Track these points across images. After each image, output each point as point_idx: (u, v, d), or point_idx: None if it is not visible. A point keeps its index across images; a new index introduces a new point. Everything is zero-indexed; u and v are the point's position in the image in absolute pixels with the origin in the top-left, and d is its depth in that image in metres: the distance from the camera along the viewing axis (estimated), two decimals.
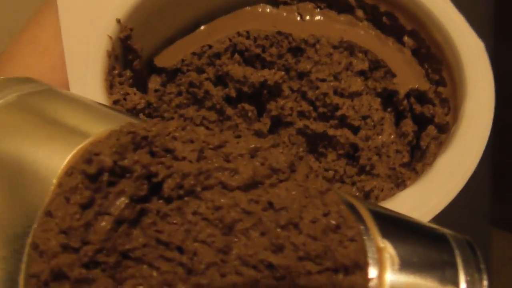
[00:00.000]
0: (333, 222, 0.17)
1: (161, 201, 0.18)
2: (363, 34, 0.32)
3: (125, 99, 0.26)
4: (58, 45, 0.27)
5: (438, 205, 0.23)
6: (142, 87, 0.31)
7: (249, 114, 0.31)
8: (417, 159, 0.28)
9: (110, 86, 0.26)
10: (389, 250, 0.18)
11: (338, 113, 0.30)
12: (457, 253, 0.18)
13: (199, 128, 0.19)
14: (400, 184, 0.28)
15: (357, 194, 0.29)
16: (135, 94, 0.27)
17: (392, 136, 0.29)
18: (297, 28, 0.32)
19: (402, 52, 0.31)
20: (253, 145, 0.19)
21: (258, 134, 0.31)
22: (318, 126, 0.30)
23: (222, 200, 0.17)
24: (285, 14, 0.33)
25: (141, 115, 0.27)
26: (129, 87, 0.27)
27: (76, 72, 0.25)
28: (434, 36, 0.29)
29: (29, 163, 0.19)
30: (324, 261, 0.17)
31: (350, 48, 0.31)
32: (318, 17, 0.33)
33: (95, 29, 0.27)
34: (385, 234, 0.18)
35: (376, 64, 0.31)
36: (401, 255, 0.17)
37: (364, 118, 0.30)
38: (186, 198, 0.18)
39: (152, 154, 0.18)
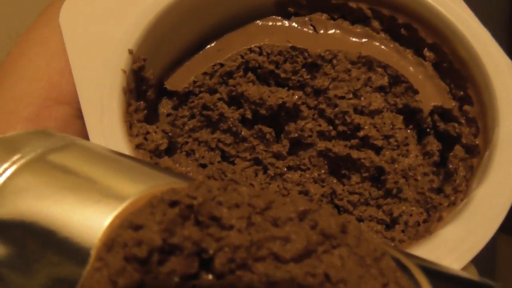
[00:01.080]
0: None
1: (211, 276, 0.17)
2: (381, 47, 0.31)
3: (145, 138, 0.25)
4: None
5: (479, 243, 0.22)
6: (153, 112, 0.29)
7: (267, 136, 0.30)
8: (445, 182, 0.28)
9: (130, 127, 0.24)
10: None
11: (361, 133, 0.29)
12: None
13: (241, 188, 0.18)
14: (430, 209, 0.27)
15: (384, 217, 0.28)
16: (155, 132, 0.25)
17: (419, 158, 0.28)
18: (311, 42, 0.31)
19: (423, 66, 0.30)
20: (302, 208, 0.18)
21: (277, 156, 0.30)
22: (341, 149, 0.29)
23: (277, 275, 0.16)
24: (297, 26, 0.32)
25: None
26: (148, 124, 0.26)
27: (92, 114, 0.23)
28: (458, 51, 0.28)
29: (60, 231, 0.18)
30: None
31: (369, 63, 0.30)
32: (332, 30, 0.31)
33: (106, 61, 0.25)
34: None
35: (396, 79, 0.30)
36: None
37: (387, 137, 0.29)
38: (238, 272, 0.17)
39: (198, 223, 0.17)
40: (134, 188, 0.18)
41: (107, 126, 0.23)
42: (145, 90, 0.27)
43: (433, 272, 0.19)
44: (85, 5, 0.26)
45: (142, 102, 0.27)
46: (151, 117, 0.28)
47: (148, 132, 0.25)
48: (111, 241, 0.17)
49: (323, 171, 0.30)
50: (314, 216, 0.18)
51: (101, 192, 0.18)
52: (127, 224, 0.17)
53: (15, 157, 0.18)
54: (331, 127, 0.30)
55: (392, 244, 0.26)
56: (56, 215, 0.18)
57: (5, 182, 0.18)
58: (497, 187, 0.23)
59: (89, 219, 0.18)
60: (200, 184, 0.18)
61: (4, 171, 0.18)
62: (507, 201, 0.23)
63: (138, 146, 0.24)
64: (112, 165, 0.19)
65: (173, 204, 0.17)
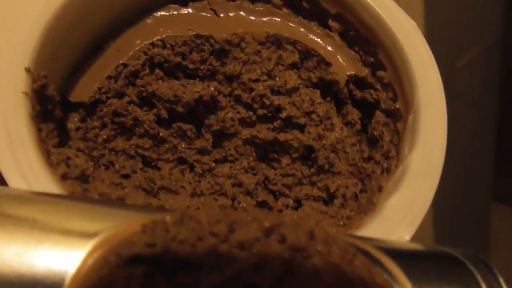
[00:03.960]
0: None
1: None
2: (286, 22, 0.30)
3: (67, 165, 0.22)
4: None
5: (423, 208, 0.23)
6: (62, 131, 0.27)
7: (188, 133, 0.29)
8: (372, 149, 0.28)
9: (47, 156, 0.21)
10: None
11: (283, 114, 0.29)
12: (475, 273, 0.19)
13: (198, 214, 0.17)
14: (364, 178, 0.27)
15: (320, 194, 0.28)
16: (77, 156, 0.23)
17: (345, 130, 0.28)
18: (215, 27, 0.30)
19: (330, 37, 0.30)
20: (267, 225, 0.17)
21: (202, 152, 0.29)
22: (267, 134, 0.29)
23: None
24: (197, 12, 0.30)
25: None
26: (62, 147, 0.23)
27: (1, 149, 0.20)
28: (363, 18, 0.28)
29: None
30: None
31: (277, 42, 0.29)
32: (234, 12, 0.30)
33: (2, 86, 0.22)
34: (411, 279, 0.18)
35: (307, 54, 0.30)
36: None
37: (308, 114, 0.29)
38: None
39: (165, 271, 0.15)
40: (100, 225, 0.16)
41: (23, 162, 0.20)
42: (51, 110, 0.24)
43: (397, 253, 0.19)
44: None
45: (50, 124, 0.24)
46: (62, 137, 0.25)
47: (68, 158, 0.23)
48: None
49: (251, 159, 0.29)
50: (280, 230, 0.17)
51: (61, 238, 0.16)
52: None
53: None
54: (251, 113, 0.29)
55: (341, 223, 0.26)
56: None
57: None
58: (428, 151, 0.24)
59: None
60: (155, 224, 0.16)
61: None
62: (439, 162, 0.24)
63: (63, 177, 0.21)
64: (48, 206, 0.17)
65: (133, 260, 0.15)
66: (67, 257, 0.15)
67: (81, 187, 0.23)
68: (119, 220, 0.17)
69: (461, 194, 0.65)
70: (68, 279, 0.15)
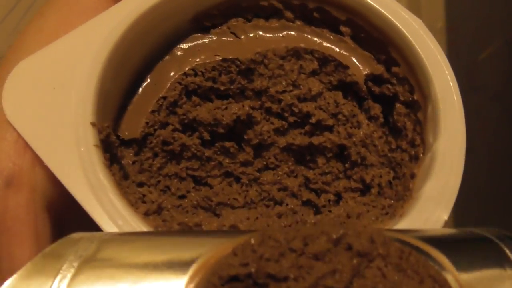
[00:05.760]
0: (430, 287, 0.19)
1: None
2: (301, 34, 0.33)
3: (144, 201, 0.26)
4: (62, 32, 0.28)
5: (455, 189, 0.26)
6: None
7: (231, 150, 0.32)
8: (397, 139, 0.31)
9: (125, 195, 0.25)
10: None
11: (313, 120, 0.32)
12: (504, 248, 0.22)
13: (275, 234, 0.20)
14: (395, 166, 0.30)
15: (357, 185, 0.31)
16: (151, 193, 0.26)
17: (371, 125, 0.31)
18: (238, 49, 0.32)
19: (343, 41, 0.32)
20: (334, 236, 0.20)
21: (245, 164, 0.32)
22: (302, 140, 0.32)
23: None
24: (219, 38, 0.33)
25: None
26: (138, 187, 0.26)
27: (87, 199, 0.23)
28: (372, 21, 0.31)
29: None
30: None
31: (297, 54, 0.32)
32: (252, 32, 0.33)
33: (74, 142, 0.25)
34: (455, 263, 0.21)
35: (325, 60, 0.32)
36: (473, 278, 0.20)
37: (335, 115, 0.32)
38: None
39: (256, 285, 0.19)
40: (196, 252, 0.19)
41: (108, 205, 0.23)
42: (115, 153, 0.27)
43: (438, 241, 0.22)
44: (26, 95, 0.26)
45: (116, 165, 0.27)
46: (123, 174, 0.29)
47: (143, 195, 0.26)
48: None
49: (290, 164, 0.32)
50: (346, 239, 0.20)
51: (162, 271, 0.19)
52: None
53: (64, 268, 0.19)
54: (283, 122, 0.32)
55: (384, 212, 0.29)
56: None
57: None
58: (451, 138, 0.27)
59: None
60: (244, 246, 0.19)
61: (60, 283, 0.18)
62: (462, 148, 0.27)
63: (145, 214, 0.25)
64: (151, 245, 0.20)
65: (233, 279, 0.18)
66: (173, 284, 0.18)
67: (161, 219, 0.26)
68: (210, 246, 0.20)
69: (483, 187, 0.67)
70: None
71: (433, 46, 0.29)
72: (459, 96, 0.28)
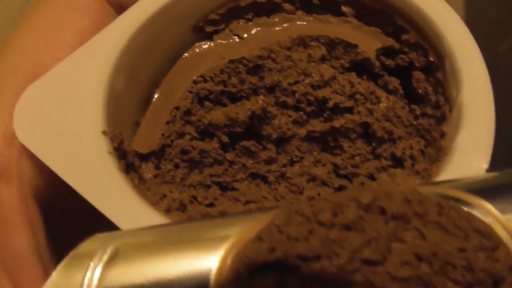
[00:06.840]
0: (476, 242, 0.17)
1: None
2: (304, 23, 0.32)
3: (163, 198, 0.25)
4: (54, 28, 0.29)
5: (490, 137, 0.24)
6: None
7: (252, 148, 0.31)
8: (422, 106, 0.30)
9: (146, 198, 0.24)
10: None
11: (330, 104, 0.30)
12: None
13: (300, 207, 0.18)
14: (424, 134, 0.29)
15: (389, 163, 0.30)
16: (171, 191, 0.25)
17: (390, 98, 0.30)
18: (243, 48, 0.32)
19: (347, 22, 0.32)
20: (365, 201, 0.18)
21: (269, 161, 0.31)
22: (322, 126, 0.31)
23: (378, 279, 0.17)
24: (223, 41, 0.32)
25: None
26: (156, 186, 0.25)
27: (106, 204, 0.23)
28: None
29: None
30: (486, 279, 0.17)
31: (302, 42, 0.32)
32: (254, 30, 0.33)
33: (86, 151, 0.24)
34: (500, 209, 0.19)
35: (332, 44, 0.32)
36: None
37: (352, 96, 0.31)
38: None
39: (286, 267, 0.17)
40: (225, 232, 0.18)
41: (129, 208, 0.22)
42: (131, 162, 0.26)
43: (479, 188, 0.20)
44: (37, 118, 0.26)
45: (134, 174, 0.26)
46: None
47: (164, 195, 0.25)
48: None
49: (315, 153, 0.31)
50: (377, 203, 0.18)
51: (195, 244, 0.18)
52: None
53: (93, 262, 0.18)
54: (301, 112, 0.31)
55: (419, 176, 0.27)
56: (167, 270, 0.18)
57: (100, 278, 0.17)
58: (476, 86, 0.25)
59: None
60: (269, 229, 0.18)
61: (93, 274, 0.17)
62: (489, 93, 0.25)
63: (167, 210, 0.24)
64: (180, 229, 0.19)
65: (262, 267, 0.17)
66: (209, 259, 0.17)
67: (184, 215, 0.25)
68: (243, 224, 0.19)
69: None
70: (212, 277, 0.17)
71: (438, 1, 0.28)
72: (475, 43, 0.27)
